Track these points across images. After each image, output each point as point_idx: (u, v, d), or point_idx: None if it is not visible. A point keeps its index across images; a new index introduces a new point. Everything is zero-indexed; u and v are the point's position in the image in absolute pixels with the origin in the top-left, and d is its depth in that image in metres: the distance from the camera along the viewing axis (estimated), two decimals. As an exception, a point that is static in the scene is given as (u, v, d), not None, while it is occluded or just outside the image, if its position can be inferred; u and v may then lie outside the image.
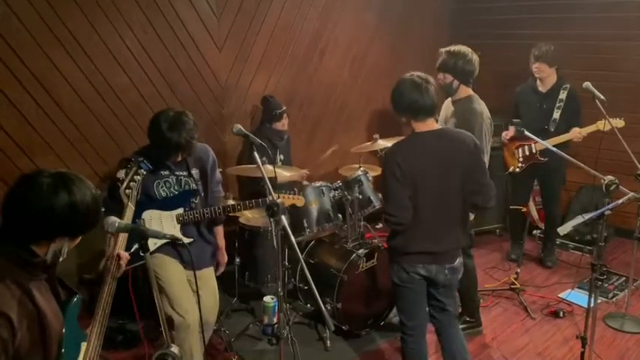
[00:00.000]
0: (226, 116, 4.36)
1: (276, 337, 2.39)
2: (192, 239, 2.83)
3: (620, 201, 2.73)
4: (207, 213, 2.83)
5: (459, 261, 2.62)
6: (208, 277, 2.93)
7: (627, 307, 3.74)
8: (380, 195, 3.86)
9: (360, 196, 3.70)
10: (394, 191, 2.42)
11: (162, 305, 1.93)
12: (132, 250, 2.20)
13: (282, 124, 4.24)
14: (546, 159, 4.19)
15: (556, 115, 4.20)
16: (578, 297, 3.94)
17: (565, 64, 4.35)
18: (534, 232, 5.09)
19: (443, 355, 2.75)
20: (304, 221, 3.64)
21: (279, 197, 2.55)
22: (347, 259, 3.40)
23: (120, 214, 2.25)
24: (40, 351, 1.53)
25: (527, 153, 4.30)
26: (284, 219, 2.13)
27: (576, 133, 4.09)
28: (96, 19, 3.53)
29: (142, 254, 1.88)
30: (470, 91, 3.21)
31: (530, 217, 4.87)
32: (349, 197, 3.64)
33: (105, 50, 3.62)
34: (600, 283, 4.11)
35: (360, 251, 3.44)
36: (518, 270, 4.11)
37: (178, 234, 2.77)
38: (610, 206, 2.69)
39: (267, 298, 3.33)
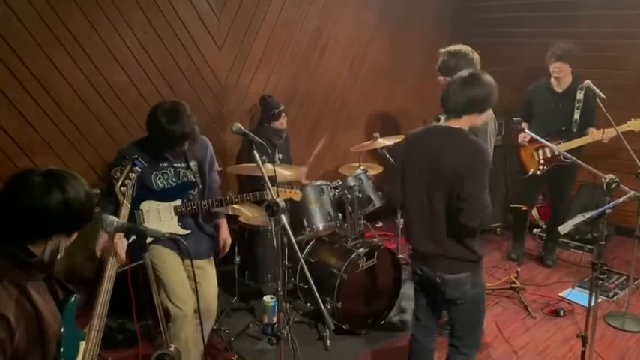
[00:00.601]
0: (226, 115, 4.36)
1: (276, 336, 2.40)
2: (189, 231, 2.86)
3: (621, 200, 2.71)
4: (204, 205, 2.85)
5: (456, 276, 2.41)
6: (207, 267, 2.95)
7: (628, 306, 3.74)
8: (380, 194, 3.87)
9: (360, 195, 3.70)
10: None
11: (159, 297, 1.93)
12: (130, 240, 2.21)
13: (281, 123, 4.23)
14: (570, 161, 4.09)
15: (576, 115, 4.09)
16: (579, 296, 3.93)
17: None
18: (535, 230, 5.08)
19: None
20: (304, 220, 3.63)
21: (277, 191, 2.55)
22: (347, 258, 3.40)
23: (116, 213, 2.25)
24: (39, 351, 1.53)
25: (548, 155, 4.18)
26: (284, 218, 2.14)
27: (599, 134, 3.95)
28: (96, 19, 3.53)
29: (142, 255, 1.88)
30: None
31: (531, 216, 4.86)
32: (349, 196, 3.64)
33: (105, 50, 3.62)
34: (601, 281, 4.09)
35: (360, 250, 3.44)
36: (519, 269, 4.11)
37: (176, 226, 2.82)
38: (610, 205, 2.67)
39: (267, 298, 3.33)
